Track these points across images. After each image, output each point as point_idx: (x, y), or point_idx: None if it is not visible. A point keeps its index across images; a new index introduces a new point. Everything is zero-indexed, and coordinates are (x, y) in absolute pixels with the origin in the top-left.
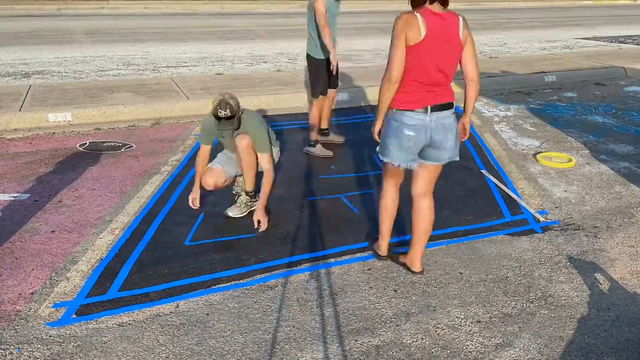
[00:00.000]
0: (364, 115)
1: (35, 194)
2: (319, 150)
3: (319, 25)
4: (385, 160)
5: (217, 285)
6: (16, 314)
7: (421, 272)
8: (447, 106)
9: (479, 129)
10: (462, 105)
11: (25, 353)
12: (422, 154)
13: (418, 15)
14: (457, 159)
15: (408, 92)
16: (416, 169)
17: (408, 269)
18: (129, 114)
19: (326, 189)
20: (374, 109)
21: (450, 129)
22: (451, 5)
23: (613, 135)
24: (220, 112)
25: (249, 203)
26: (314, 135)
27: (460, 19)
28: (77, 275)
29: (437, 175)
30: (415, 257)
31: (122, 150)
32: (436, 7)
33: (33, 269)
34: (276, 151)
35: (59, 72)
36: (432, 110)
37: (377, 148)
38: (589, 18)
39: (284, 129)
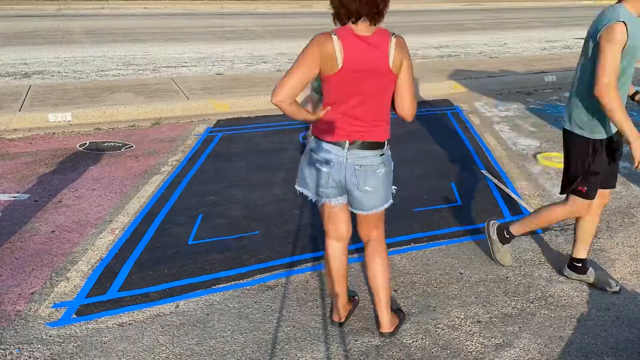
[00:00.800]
0: None
1: (35, 194)
2: None
3: (599, 83)
4: (299, 188)
5: (217, 286)
6: (16, 314)
7: (390, 334)
8: (370, 146)
9: (479, 128)
10: (462, 106)
11: (25, 353)
12: (348, 197)
13: (335, 38)
14: (387, 205)
15: (328, 121)
16: (339, 207)
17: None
18: (129, 114)
19: None
20: None
21: (371, 172)
22: (451, 5)
23: None
24: None
25: None
26: None
27: (392, 41)
28: (77, 275)
29: (375, 221)
30: (380, 314)
31: (122, 150)
32: (362, 29)
33: (33, 269)
34: None
35: (59, 72)
36: (350, 147)
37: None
38: (589, 18)
39: (284, 129)
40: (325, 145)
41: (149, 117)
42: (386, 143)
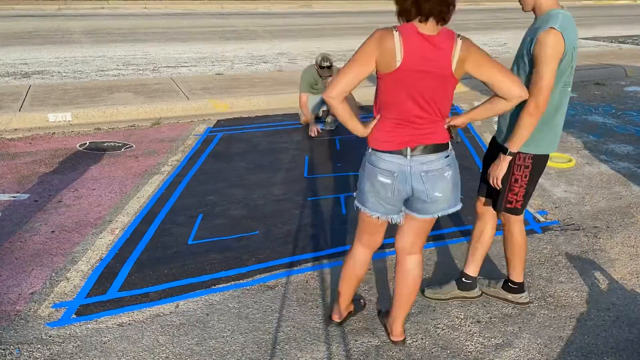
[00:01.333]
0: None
1: (35, 194)
2: None
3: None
4: (362, 209)
5: (217, 286)
6: (16, 314)
7: (402, 342)
8: (434, 149)
9: (479, 128)
10: (462, 105)
11: (25, 353)
12: (406, 204)
13: (397, 35)
14: (456, 208)
15: (383, 129)
16: (401, 222)
17: (388, 334)
18: (129, 114)
19: (326, 189)
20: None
21: (439, 176)
22: None
23: (613, 135)
24: (323, 63)
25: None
26: None
27: (457, 43)
28: (77, 275)
29: (427, 229)
30: (395, 322)
31: (122, 150)
32: (427, 28)
33: (33, 269)
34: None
35: (59, 72)
36: (412, 153)
37: (354, 193)
38: (589, 18)
39: (284, 128)
40: (385, 156)
41: (149, 117)
42: (449, 143)
